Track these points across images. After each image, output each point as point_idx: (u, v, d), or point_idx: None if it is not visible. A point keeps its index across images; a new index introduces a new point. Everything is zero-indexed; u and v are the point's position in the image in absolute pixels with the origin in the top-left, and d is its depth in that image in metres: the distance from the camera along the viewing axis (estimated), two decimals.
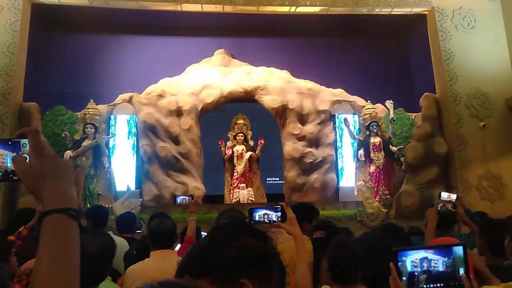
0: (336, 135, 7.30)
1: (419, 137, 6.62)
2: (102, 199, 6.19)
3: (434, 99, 6.89)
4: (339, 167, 7.29)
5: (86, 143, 6.37)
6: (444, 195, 3.60)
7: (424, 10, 7.17)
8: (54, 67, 7.27)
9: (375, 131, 6.88)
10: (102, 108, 7.01)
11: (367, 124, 6.95)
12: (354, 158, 7.21)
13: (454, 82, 6.74)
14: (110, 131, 6.97)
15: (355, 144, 7.15)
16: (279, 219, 1.79)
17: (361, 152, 6.88)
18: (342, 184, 7.18)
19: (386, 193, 6.67)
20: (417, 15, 7.29)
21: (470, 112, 6.65)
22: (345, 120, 7.04)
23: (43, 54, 7.21)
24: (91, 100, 6.66)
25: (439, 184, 6.48)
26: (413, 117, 7.30)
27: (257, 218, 1.79)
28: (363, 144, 6.90)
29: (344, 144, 7.38)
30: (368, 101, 7.14)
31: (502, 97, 6.67)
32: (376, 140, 6.86)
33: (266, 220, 1.80)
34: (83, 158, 6.31)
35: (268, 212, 1.80)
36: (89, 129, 6.43)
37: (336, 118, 7.37)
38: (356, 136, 7.03)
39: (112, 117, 7.05)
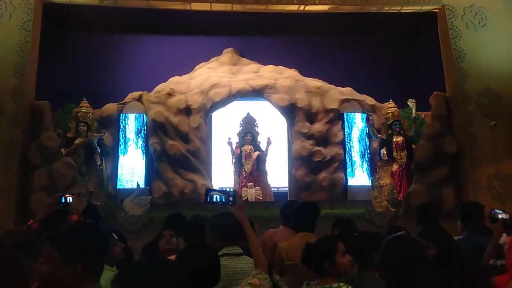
0: (344, 134, 7.28)
1: (429, 136, 6.57)
2: (93, 196, 6.25)
3: (444, 98, 6.83)
4: (348, 166, 7.26)
5: (78, 141, 6.46)
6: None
7: (435, 8, 7.10)
8: (65, 66, 7.37)
9: (397, 130, 6.88)
10: (112, 106, 7.09)
11: (389, 123, 6.96)
12: (360, 157, 7.22)
13: (464, 81, 6.67)
14: (120, 130, 7.05)
15: (378, 143, 7.15)
16: (230, 203, 2.01)
17: (383, 151, 6.89)
18: (351, 183, 7.17)
19: (395, 192, 6.66)
20: (427, 13, 7.22)
21: (481, 111, 6.57)
22: (367, 118, 7.06)
23: (54, 53, 7.31)
24: (84, 99, 6.74)
25: (449, 183, 6.44)
26: (422, 116, 7.25)
27: (208, 199, 2.03)
28: (386, 143, 6.90)
29: (353, 143, 7.36)
30: (390, 100, 7.12)
31: None
32: (398, 139, 6.88)
33: (218, 201, 2.02)
34: (75, 156, 6.38)
35: (221, 194, 2.03)
36: (81, 127, 6.53)
37: (344, 117, 7.35)
38: (379, 135, 7.03)
39: (122, 115, 7.12)
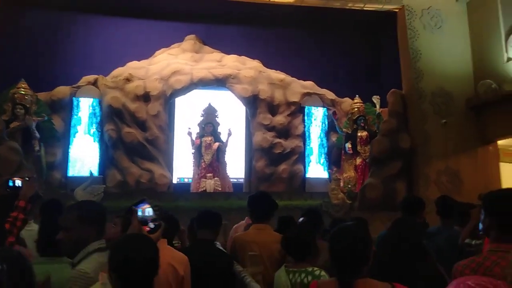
0: (305, 127, 7.37)
1: (385, 132, 6.79)
2: None
3: (400, 96, 7.07)
4: (306, 158, 7.36)
5: (14, 124, 5.95)
6: None
7: (395, 7, 7.31)
8: (14, 45, 6.81)
9: (362, 125, 7.05)
10: (65, 89, 6.69)
11: (355, 118, 7.12)
12: (325, 152, 7.35)
13: (420, 80, 6.94)
14: (73, 115, 6.67)
15: (336, 137, 7.30)
16: (149, 228, 1.87)
17: (348, 145, 7.04)
18: (309, 175, 7.28)
19: (351, 185, 6.84)
20: (388, 12, 7.41)
21: (434, 110, 6.88)
22: (334, 113, 7.20)
23: (2, 31, 6.73)
24: (22, 79, 6.21)
25: (401, 178, 6.70)
26: (380, 112, 7.47)
27: (140, 213, 1.86)
28: (351, 137, 7.04)
29: (312, 136, 7.46)
30: (357, 96, 7.26)
31: (463, 97, 6.94)
32: (363, 134, 7.06)
33: (146, 216, 1.86)
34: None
35: (152, 216, 1.89)
36: (18, 110, 6.02)
37: (305, 110, 7.43)
38: (344, 130, 7.16)
39: (75, 99, 6.73)
